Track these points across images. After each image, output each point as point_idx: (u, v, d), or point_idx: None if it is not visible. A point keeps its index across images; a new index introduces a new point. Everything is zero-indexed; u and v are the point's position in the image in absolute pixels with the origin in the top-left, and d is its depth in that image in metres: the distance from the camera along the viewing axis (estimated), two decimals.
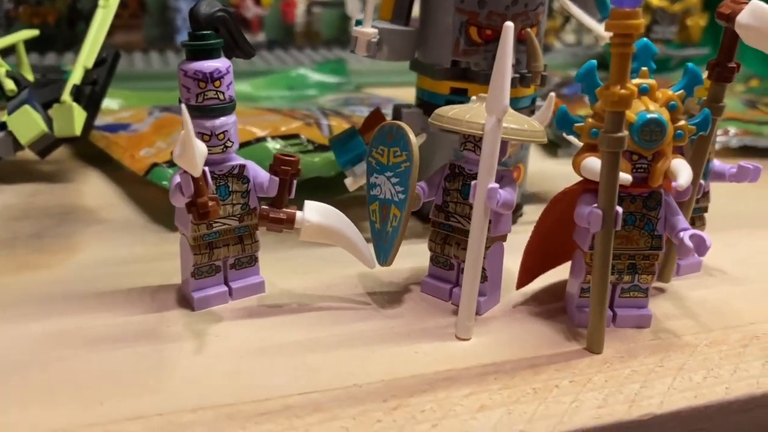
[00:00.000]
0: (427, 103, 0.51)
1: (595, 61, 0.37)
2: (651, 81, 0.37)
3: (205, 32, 0.37)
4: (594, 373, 0.36)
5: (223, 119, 0.38)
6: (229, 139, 0.38)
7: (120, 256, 0.47)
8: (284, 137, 0.61)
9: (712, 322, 0.41)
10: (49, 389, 0.33)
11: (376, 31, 0.46)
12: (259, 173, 0.40)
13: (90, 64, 0.59)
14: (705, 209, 0.47)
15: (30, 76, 0.69)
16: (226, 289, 0.41)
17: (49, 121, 0.58)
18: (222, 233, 0.40)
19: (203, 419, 0.31)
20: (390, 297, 0.43)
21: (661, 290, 0.45)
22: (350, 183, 0.49)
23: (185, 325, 0.39)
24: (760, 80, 0.98)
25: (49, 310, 0.40)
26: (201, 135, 0.37)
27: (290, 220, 0.38)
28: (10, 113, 0.58)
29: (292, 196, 0.39)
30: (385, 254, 0.41)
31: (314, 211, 0.39)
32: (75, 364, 0.35)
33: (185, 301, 0.41)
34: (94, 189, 0.59)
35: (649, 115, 0.35)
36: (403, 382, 0.35)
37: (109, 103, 0.78)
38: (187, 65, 0.37)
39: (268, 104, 0.82)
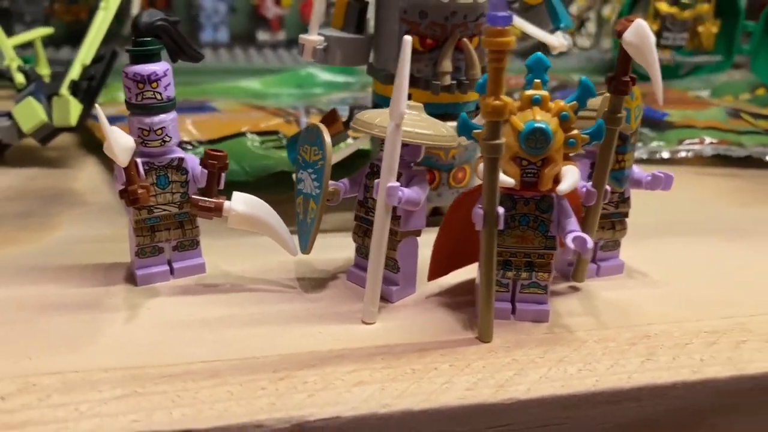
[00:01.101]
0: (379, 106, 0.54)
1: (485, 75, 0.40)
2: (543, 92, 0.39)
3: (144, 39, 0.42)
4: (475, 360, 0.39)
5: (161, 117, 0.42)
6: (167, 135, 0.43)
7: (91, 235, 0.53)
8: (262, 133, 0.66)
9: (611, 321, 0.43)
10: None
11: (321, 38, 0.50)
12: (197, 166, 0.45)
13: (88, 61, 0.65)
14: (625, 215, 0.49)
15: (46, 70, 0.76)
16: (167, 268, 0.46)
17: (50, 112, 0.64)
18: (162, 218, 0.45)
19: (111, 378, 0.36)
20: (317, 283, 0.47)
21: (576, 289, 0.48)
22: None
23: (125, 298, 0.44)
24: (767, 90, 0.97)
25: (12, 279, 0.45)
26: (141, 130, 0.42)
27: (218, 209, 0.43)
28: (16, 104, 0.64)
29: (221, 187, 0.44)
30: (304, 243, 0.45)
31: (240, 202, 0.43)
32: (17, 325, 0.40)
33: (132, 278, 0.46)
34: (87, 175, 0.65)
35: (534, 125, 0.38)
36: (298, 357, 0.39)
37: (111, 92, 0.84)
38: (128, 68, 0.42)
39: (273, 102, 0.87)
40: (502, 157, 0.39)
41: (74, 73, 0.64)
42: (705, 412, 0.39)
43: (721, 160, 0.73)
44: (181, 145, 0.62)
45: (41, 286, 0.45)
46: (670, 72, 1.08)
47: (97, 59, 0.66)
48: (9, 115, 0.65)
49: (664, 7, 1.04)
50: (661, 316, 0.44)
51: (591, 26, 1.21)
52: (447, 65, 0.50)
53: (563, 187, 0.38)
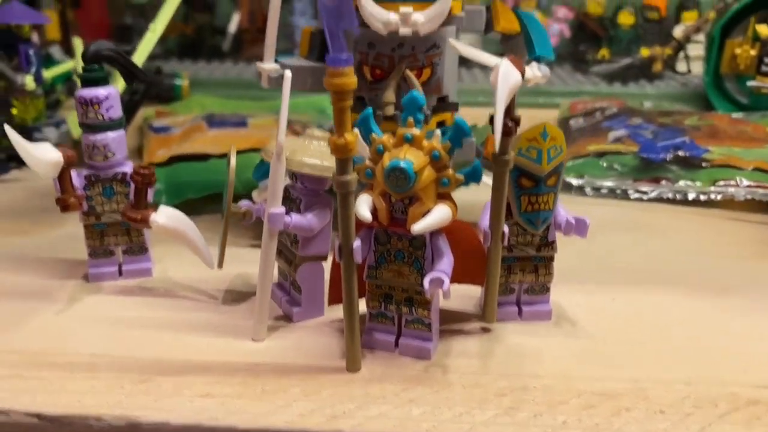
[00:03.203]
0: None
1: (371, 109, 0.40)
2: (415, 131, 0.39)
3: (91, 66, 0.47)
4: (328, 388, 0.40)
5: (103, 135, 0.48)
6: (109, 151, 0.48)
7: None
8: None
9: (497, 368, 0.42)
10: None
11: (276, 66, 0.53)
12: None
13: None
14: (550, 258, 0.46)
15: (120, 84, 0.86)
16: (116, 269, 0.51)
17: None
18: (110, 225, 0.50)
19: (8, 359, 0.42)
20: (238, 296, 0.50)
21: (487, 330, 0.46)
22: (255, 195, 0.56)
23: (71, 293, 0.50)
24: None
25: None
26: (86, 146, 0.48)
27: (144, 220, 0.47)
28: None
29: (149, 200, 0.48)
30: (219, 258, 0.48)
31: (163, 215, 0.47)
32: None
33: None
34: None
35: (397, 163, 0.38)
36: (169, 364, 0.42)
37: (205, 100, 0.94)
38: (77, 92, 0.47)
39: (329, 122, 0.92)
40: (374, 190, 0.40)
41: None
42: None
43: (750, 205, 0.66)
44: (200, 157, 0.68)
45: (13, 275, 0.52)
46: None
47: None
48: (65, 121, 0.75)
49: (765, 31, 0.94)
50: (557, 370, 0.42)
51: (696, 49, 1.12)
52: (389, 96, 0.51)
53: (416, 227, 0.38)
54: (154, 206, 0.48)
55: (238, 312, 0.48)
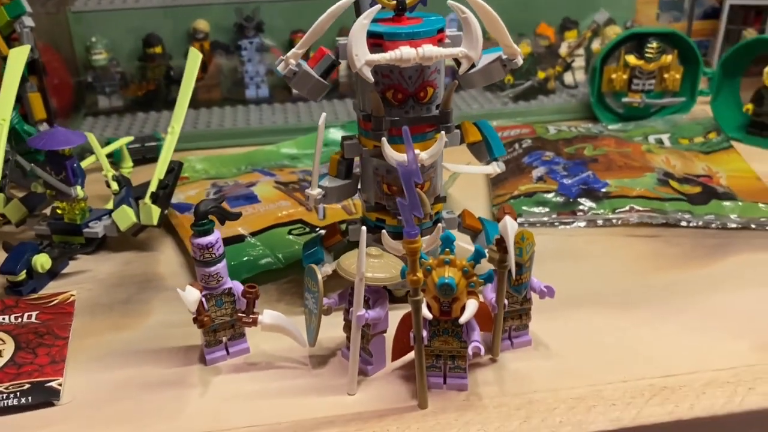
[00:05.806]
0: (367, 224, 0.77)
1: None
2: (451, 257, 0.61)
3: (202, 221, 0.65)
4: (414, 422, 0.62)
5: (215, 267, 0.67)
6: (220, 276, 0.67)
7: (175, 320, 0.77)
8: (289, 223, 0.89)
9: (509, 389, 0.66)
10: (107, 420, 0.64)
11: (320, 191, 0.73)
12: (239, 289, 0.69)
13: (162, 176, 0.89)
14: (528, 309, 0.70)
15: (129, 163, 1.02)
16: (225, 352, 0.71)
17: (138, 213, 0.89)
18: (220, 324, 0.70)
19: None
20: (321, 360, 0.71)
21: (494, 360, 0.70)
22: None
23: (199, 376, 0.69)
24: (718, 135, 1.14)
25: (121, 362, 0.71)
26: (203, 276, 0.67)
27: (254, 322, 0.67)
28: (115, 207, 0.90)
29: (256, 308, 0.68)
30: (311, 339, 0.69)
31: (268, 316, 0.68)
32: (127, 402, 0.65)
33: (203, 359, 0.71)
34: (166, 257, 0.90)
35: (444, 281, 0.60)
36: (300, 424, 0.63)
37: (195, 164, 1.10)
38: (194, 239, 0.66)
39: (302, 166, 1.11)
40: (427, 295, 0.62)
41: (153, 186, 0.89)
42: None
43: (641, 226, 0.92)
44: (238, 238, 0.86)
45: (139, 368, 0.70)
46: (640, 112, 1.25)
47: (168, 171, 0.91)
48: (109, 214, 0.90)
49: (632, 60, 1.21)
50: (545, 385, 0.66)
51: (578, 61, 1.38)
52: None
53: (462, 319, 0.61)
54: (260, 311, 0.68)
55: (326, 374, 0.69)
